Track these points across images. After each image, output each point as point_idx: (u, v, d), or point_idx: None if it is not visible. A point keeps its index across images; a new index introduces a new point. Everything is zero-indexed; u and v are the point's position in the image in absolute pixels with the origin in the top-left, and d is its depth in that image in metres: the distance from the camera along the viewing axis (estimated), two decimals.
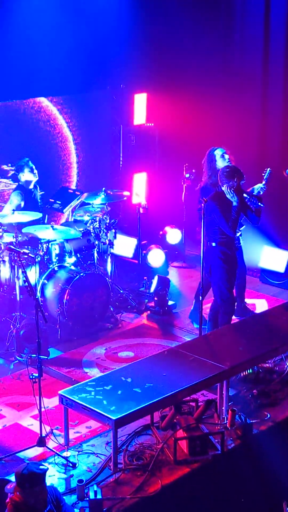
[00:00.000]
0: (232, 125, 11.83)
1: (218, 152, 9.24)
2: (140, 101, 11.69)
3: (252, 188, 8.93)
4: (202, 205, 8.35)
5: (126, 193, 10.51)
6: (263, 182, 9.02)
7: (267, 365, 8.26)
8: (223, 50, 12.13)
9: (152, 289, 10.07)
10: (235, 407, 7.37)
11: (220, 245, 8.44)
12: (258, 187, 8.94)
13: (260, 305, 9.93)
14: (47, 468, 5.63)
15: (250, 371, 8.06)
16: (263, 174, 8.99)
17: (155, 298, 9.92)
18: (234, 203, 8.28)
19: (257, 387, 7.94)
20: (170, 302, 9.96)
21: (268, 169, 9.07)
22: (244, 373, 7.99)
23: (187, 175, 11.10)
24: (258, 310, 9.72)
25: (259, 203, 8.47)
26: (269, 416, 7.48)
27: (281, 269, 10.61)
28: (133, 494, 6.29)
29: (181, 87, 11.77)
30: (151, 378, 7.05)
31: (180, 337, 9.27)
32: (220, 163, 9.14)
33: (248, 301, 9.86)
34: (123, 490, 6.35)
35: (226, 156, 9.20)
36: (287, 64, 12.36)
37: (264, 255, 10.71)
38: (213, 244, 8.47)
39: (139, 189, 11.58)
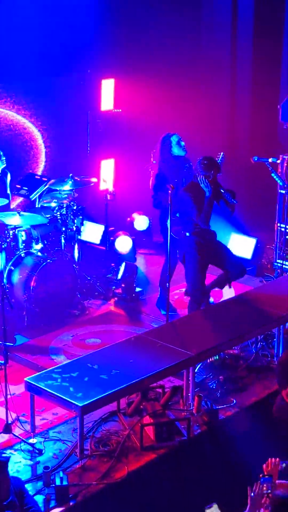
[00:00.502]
0: (201, 111, 11.84)
1: (174, 139, 9.27)
2: (108, 87, 11.62)
3: None
4: (169, 192, 8.36)
5: (93, 179, 10.47)
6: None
7: (233, 351, 8.30)
8: (191, 36, 12.12)
9: (120, 275, 10.07)
10: (202, 393, 7.41)
11: (193, 235, 8.43)
12: None
13: (227, 292, 9.95)
14: (9, 457, 5.60)
15: (217, 357, 8.10)
16: (217, 159, 8.99)
17: (123, 285, 9.92)
18: (207, 194, 8.29)
19: (223, 373, 7.98)
20: (137, 289, 9.96)
21: (222, 153, 9.08)
22: (210, 359, 8.03)
23: (155, 162, 11.06)
24: (225, 297, 9.73)
25: (232, 199, 8.45)
26: (235, 402, 7.53)
27: (248, 256, 10.67)
28: (99, 480, 6.30)
29: (149, 73, 11.74)
30: (117, 364, 7.06)
31: (147, 324, 9.28)
32: (176, 150, 9.19)
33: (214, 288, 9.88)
34: (89, 476, 6.36)
35: (182, 143, 9.25)
36: (255, 51, 12.41)
37: (232, 243, 10.74)
38: (187, 234, 8.47)
39: (106, 175, 11.55)
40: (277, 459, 5.65)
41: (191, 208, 8.32)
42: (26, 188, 10.16)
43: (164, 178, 8.97)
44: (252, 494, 5.36)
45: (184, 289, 9.15)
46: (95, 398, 6.54)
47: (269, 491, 5.28)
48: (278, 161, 10.32)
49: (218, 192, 8.41)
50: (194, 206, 8.29)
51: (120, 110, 11.88)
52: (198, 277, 8.52)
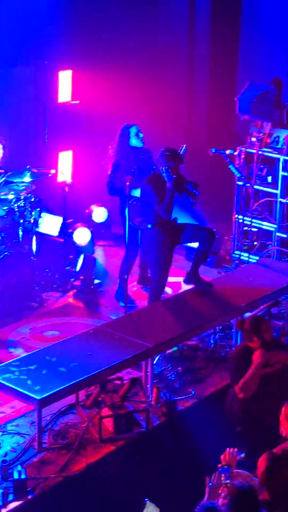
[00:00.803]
0: (159, 103, 11.84)
1: (133, 130, 9.31)
2: (65, 78, 11.54)
3: None
4: (127, 184, 8.37)
5: (51, 171, 10.42)
6: None
7: (192, 342, 8.33)
8: (148, 28, 12.11)
9: (78, 267, 10.04)
10: (160, 385, 7.43)
11: (156, 227, 8.42)
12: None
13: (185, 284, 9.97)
14: None
15: (175, 348, 8.12)
16: (179, 150, 9.02)
17: (81, 277, 9.89)
18: (169, 185, 8.28)
19: (182, 365, 8.01)
20: (96, 281, 9.94)
21: (184, 145, 9.11)
22: (169, 350, 8.04)
23: (113, 154, 11.05)
24: (184, 288, 9.76)
25: (195, 190, 8.46)
26: (193, 392, 7.56)
27: None
28: (57, 473, 6.29)
29: (107, 64, 11.70)
30: (76, 357, 7.04)
31: (106, 316, 9.28)
32: (134, 141, 9.21)
33: (173, 279, 9.90)
34: (47, 469, 6.34)
35: (141, 135, 9.30)
36: (213, 44, 12.45)
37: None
38: (149, 226, 8.46)
39: (64, 167, 11.49)
40: (235, 449, 5.70)
41: (152, 200, 8.30)
42: None
43: (120, 167, 9.00)
44: (210, 483, 5.40)
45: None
46: (54, 391, 6.51)
47: (227, 481, 5.32)
48: (236, 153, 10.35)
49: (180, 183, 8.41)
50: (156, 197, 8.27)
51: (78, 102, 11.82)
52: (160, 268, 8.51)
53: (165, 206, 8.26)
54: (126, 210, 8.35)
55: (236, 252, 10.71)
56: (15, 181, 9.81)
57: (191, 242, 8.97)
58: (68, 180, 10.72)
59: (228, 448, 5.71)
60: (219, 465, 5.45)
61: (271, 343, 7.11)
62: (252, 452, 5.74)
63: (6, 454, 6.52)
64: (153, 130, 10.72)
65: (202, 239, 8.45)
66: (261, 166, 10.52)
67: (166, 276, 8.66)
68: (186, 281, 8.57)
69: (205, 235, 8.45)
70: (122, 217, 9.20)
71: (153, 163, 9.25)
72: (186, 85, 12.64)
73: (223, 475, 5.38)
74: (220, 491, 5.26)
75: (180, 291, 9.64)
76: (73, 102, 11.72)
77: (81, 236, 10.81)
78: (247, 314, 8.46)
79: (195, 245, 8.71)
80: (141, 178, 9.21)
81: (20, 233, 9.58)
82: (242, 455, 5.75)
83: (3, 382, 6.63)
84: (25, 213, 9.60)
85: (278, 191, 10.40)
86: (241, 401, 6.93)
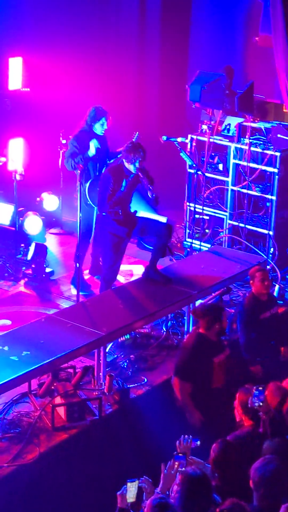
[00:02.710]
0: (110, 91, 11.80)
1: (103, 119, 9.28)
2: (15, 65, 11.43)
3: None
4: (78, 171, 8.34)
5: (2, 159, 10.33)
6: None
7: (144, 330, 8.35)
8: (99, 15, 12.05)
9: (29, 256, 9.97)
10: (113, 373, 7.43)
11: (109, 216, 8.38)
12: None
13: (138, 271, 9.99)
14: None
15: (128, 336, 8.13)
16: (132, 138, 9.04)
17: (33, 266, 9.83)
18: (132, 174, 8.27)
19: (134, 352, 8.03)
20: (47, 269, 9.89)
21: (137, 133, 9.15)
22: (121, 338, 8.05)
23: (64, 141, 11.01)
24: (136, 276, 9.78)
25: (150, 186, 8.44)
26: (146, 380, 7.59)
27: None
28: (10, 462, 6.27)
29: (58, 51, 11.62)
30: (28, 346, 7.00)
31: (58, 304, 9.24)
32: (98, 127, 9.20)
33: (125, 267, 9.91)
34: (0, 458, 6.32)
35: (105, 125, 9.26)
36: (163, 31, 12.44)
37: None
38: (104, 213, 8.43)
39: (15, 155, 11.38)
40: (190, 437, 5.73)
41: (109, 190, 8.26)
42: None
43: (77, 148, 9.16)
44: (165, 471, 5.42)
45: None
46: (6, 380, 6.47)
47: (182, 468, 5.34)
48: (187, 141, 10.40)
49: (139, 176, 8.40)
50: (112, 188, 8.23)
51: (29, 89, 11.73)
52: (111, 256, 8.50)
53: (115, 199, 8.23)
54: (78, 196, 8.31)
55: (188, 239, 10.75)
56: None
57: (145, 236, 8.97)
58: (19, 168, 10.62)
59: (182, 436, 5.74)
60: (175, 453, 5.47)
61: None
62: (208, 439, 5.77)
63: None
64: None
65: (159, 234, 8.48)
66: (212, 154, 10.56)
67: (118, 265, 8.66)
68: (145, 276, 8.58)
69: (162, 231, 8.48)
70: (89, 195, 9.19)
71: (106, 148, 9.21)
72: (137, 72, 12.63)
73: (177, 462, 5.41)
74: (175, 479, 5.27)
75: (132, 279, 9.66)
76: (24, 89, 11.62)
77: (33, 224, 10.74)
78: (198, 302, 8.52)
79: None
80: (95, 164, 9.23)
81: None
82: (198, 442, 5.77)
83: None
84: None
85: (229, 179, 10.46)
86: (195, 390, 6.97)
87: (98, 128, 9.23)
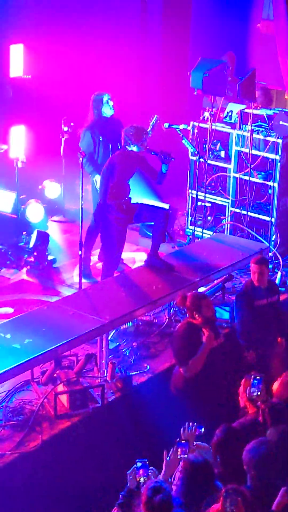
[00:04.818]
0: (112, 78, 11.75)
1: (105, 97, 9.36)
2: (17, 52, 11.37)
3: None
4: (80, 159, 8.33)
5: (3, 146, 10.31)
6: (149, 128, 9.22)
7: (146, 317, 8.35)
8: (101, 1, 12.00)
9: (31, 244, 9.96)
10: (115, 360, 7.44)
11: (110, 204, 8.36)
12: None
13: (140, 258, 9.98)
14: None
15: (130, 324, 8.13)
16: (150, 121, 9.09)
17: (35, 253, 9.82)
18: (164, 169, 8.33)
19: (137, 340, 8.03)
20: (50, 257, 9.89)
21: (156, 116, 9.21)
22: (124, 326, 8.05)
23: (66, 128, 11.00)
24: (138, 263, 9.78)
25: (170, 157, 8.45)
26: (148, 368, 7.60)
27: None
28: (13, 450, 6.29)
29: (59, 38, 11.57)
30: (30, 333, 7.00)
31: (60, 292, 9.24)
32: (106, 109, 9.36)
33: (127, 254, 9.90)
34: (3, 446, 6.34)
35: (111, 103, 9.34)
36: (165, 17, 12.40)
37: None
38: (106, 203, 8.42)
39: (16, 142, 11.35)
40: (194, 424, 5.74)
41: (112, 178, 8.25)
42: None
43: (90, 138, 9.32)
44: (168, 458, 5.44)
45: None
46: (8, 368, 6.47)
47: (185, 455, 5.36)
48: (189, 128, 10.38)
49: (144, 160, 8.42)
50: (115, 177, 8.22)
51: (30, 76, 11.69)
52: (113, 243, 8.50)
53: (116, 190, 8.23)
54: (81, 184, 8.30)
55: (190, 227, 10.74)
56: None
57: (146, 222, 8.98)
58: (21, 155, 10.60)
59: (187, 423, 5.75)
60: (178, 440, 5.49)
61: (212, 319, 7.13)
62: (212, 426, 5.78)
63: None
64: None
65: (157, 219, 8.46)
66: (214, 141, 10.54)
67: (119, 253, 8.66)
68: (148, 263, 8.57)
69: (160, 216, 8.46)
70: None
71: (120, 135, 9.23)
72: (139, 59, 12.58)
73: (179, 449, 5.42)
74: (177, 465, 5.29)
75: (134, 266, 9.66)
76: (25, 76, 11.58)
77: (35, 212, 10.72)
78: (201, 289, 8.52)
79: None
80: (107, 149, 9.23)
81: None
82: (202, 429, 5.78)
83: None
84: None
85: (231, 166, 10.44)
86: (187, 379, 6.95)
87: (106, 109, 9.29)
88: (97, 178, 9.15)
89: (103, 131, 9.39)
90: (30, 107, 11.71)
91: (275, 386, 6.30)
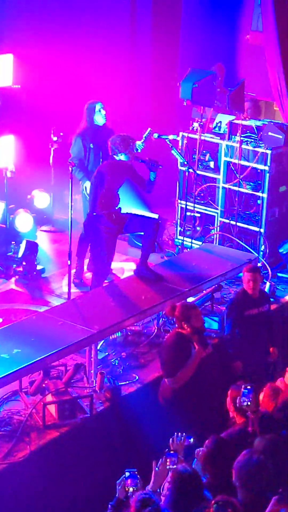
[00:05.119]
0: (101, 89, 11.77)
1: (97, 106, 9.44)
2: (6, 62, 11.39)
3: None
4: (70, 168, 8.34)
5: None
6: (142, 140, 9.32)
7: (135, 327, 8.34)
8: (90, 10, 12.02)
9: (20, 253, 9.95)
10: (104, 370, 7.42)
11: (100, 215, 8.35)
12: (137, 144, 8.94)
13: (129, 268, 9.98)
14: None
15: (119, 334, 8.12)
16: (143, 133, 9.14)
17: (23, 263, 9.81)
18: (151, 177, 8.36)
19: (125, 350, 8.02)
20: (38, 267, 9.87)
21: (149, 129, 9.28)
22: (113, 336, 8.04)
23: (55, 138, 11.01)
24: (126, 273, 9.77)
25: (158, 165, 8.46)
26: (137, 378, 7.58)
27: None
28: (1, 460, 6.26)
29: (49, 48, 11.58)
30: (19, 343, 6.98)
31: (49, 302, 9.22)
32: (98, 118, 9.45)
33: (116, 264, 9.89)
34: None
35: (103, 112, 9.40)
36: (154, 28, 12.43)
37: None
38: (94, 213, 8.40)
39: (6, 152, 11.36)
40: (183, 434, 5.73)
41: (101, 188, 8.25)
42: None
43: (81, 144, 9.42)
44: (157, 468, 5.42)
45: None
46: None
47: (174, 466, 5.34)
48: (178, 138, 10.41)
49: (133, 170, 8.44)
50: (105, 186, 8.22)
51: (19, 86, 11.69)
52: (103, 253, 8.49)
53: (105, 200, 8.23)
54: (70, 194, 8.31)
55: (179, 237, 10.75)
56: None
57: (135, 232, 8.98)
58: (10, 165, 10.59)
59: (176, 433, 5.74)
60: (166, 450, 5.47)
61: (201, 329, 7.11)
62: (202, 437, 5.76)
63: None
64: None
65: (147, 229, 8.46)
66: (204, 152, 10.57)
67: (109, 263, 8.65)
68: (137, 273, 8.56)
69: (149, 226, 8.46)
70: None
71: None
72: (128, 70, 12.60)
73: (168, 460, 5.40)
74: (166, 476, 5.27)
75: (123, 276, 9.65)
76: (14, 86, 11.58)
77: (23, 222, 10.71)
78: (191, 299, 8.52)
79: None
80: (97, 157, 9.24)
81: None
82: (191, 440, 5.76)
83: None
84: None
85: (220, 176, 10.46)
86: (175, 389, 6.94)
87: (99, 118, 9.34)
88: (87, 184, 9.18)
89: (94, 138, 9.42)
90: (19, 116, 11.70)
91: (261, 397, 6.30)
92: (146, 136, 9.36)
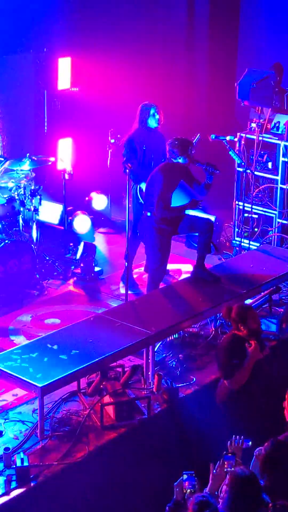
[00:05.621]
0: (158, 90, 11.80)
1: (152, 109, 9.37)
2: (64, 65, 11.50)
3: None
4: (127, 170, 8.36)
5: (51, 158, 10.41)
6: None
7: (193, 329, 8.32)
8: (147, 14, 12.06)
9: (78, 255, 10.03)
10: (162, 372, 7.43)
11: (155, 216, 8.37)
12: None
13: (186, 270, 9.98)
14: None
15: (176, 335, 8.11)
16: (193, 139, 9.09)
17: (81, 265, 9.88)
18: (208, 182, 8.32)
19: (183, 352, 8.01)
20: (96, 268, 9.94)
21: (198, 134, 9.22)
22: (170, 337, 8.04)
23: (112, 140, 11.06)
24: (184, 275, 9.77)
25: (215, 170, 8.43)
26: (194, 380, 7.56)
27: None
28: (60, 461, 6.31)
29: (106, 51, 11.66)
30: (77, 344, 7.04)
31: (107, 303, 9.27)
32: (151, 121, 9.31)
33: (173, 266, 9.90)
34: (50, 456, 6.36)
35: (157, 116, 9.35)
36: (212, 29, 12.40)
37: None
38: (148, 214, 8.42)
39: (64, 154, 11.46)
40: (241, 437, 5.70)
41: (159, 191, 8.25)
42: None
43: (134, 146, 9.27)
44: (214, 471, 5.41)
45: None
46: (55, 379, 6.52)
47: (232, 468, 5.32)
48: (236, 139, 10.35)
49: (190, 175, 8.41)
50: (163, 189, 8.22)
51: (77, 89, 11.79)
52: (159, 256, 8.49)
53: (163, 203, 8.23)
54: (127, 196, 8.33)
55: (237, 238, 10.70)
56: (15, 169, 9.81)
57: (189, 233, 8.95)
58: (68, 167, 10.68)
59: (234, 436, 5.72)
60: (224, 453, 5.46)
61: (258, 331, 7.06)
62: (260, 439, 5.72)
63: (8, 442, 6.53)
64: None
65: (201, 230, 8.44)
66: (261, 152, 10.49)
67: (164, 264, 8.64)
68: (194, 275, 8.55)
69: (204, 226, 8.43)
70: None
71: (163, 147, 9.17)
72: (186, 71, 12.61)
73: (226, 462, 5.39)
74: (224, 479, 5.26)
75: (181, 278, 9.65)
76: (73, 89, 11.69)
77: (81, 223, 10.80)
78: (248, 301, 8.47)
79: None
80: (149, 159, 9.24)
81: (21, 221, 9.59)
82: (250, 443, 5.74)
83: (5, 370, 6.64)
84: (25, 201, 9.61)
85: (278, 177, 10.38)
86: (232, 391, 6.90)
87: (152, 121, 9.31)
88: (142, 186, 9.16)
89: (146, 140, 9.41)
90: (77, 119, 11.81)
91: None
92: (195, 141, 9.31)
